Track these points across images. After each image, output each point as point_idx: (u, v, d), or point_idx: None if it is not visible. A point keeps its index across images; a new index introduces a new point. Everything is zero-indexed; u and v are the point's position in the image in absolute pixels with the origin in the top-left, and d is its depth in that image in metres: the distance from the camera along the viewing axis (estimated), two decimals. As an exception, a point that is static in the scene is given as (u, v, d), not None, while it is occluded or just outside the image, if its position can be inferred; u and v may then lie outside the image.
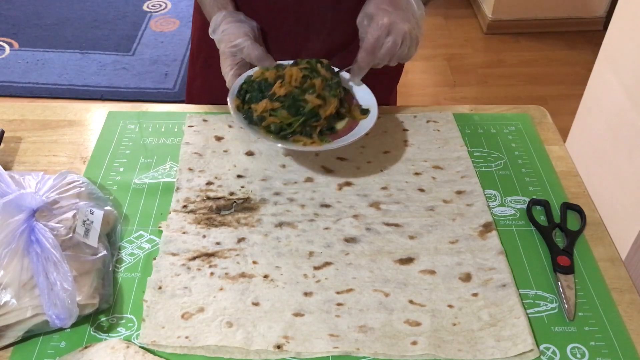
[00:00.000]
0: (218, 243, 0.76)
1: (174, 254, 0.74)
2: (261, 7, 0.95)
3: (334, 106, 0.82)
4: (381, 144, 0.92)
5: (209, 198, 0.82)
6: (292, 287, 0.71)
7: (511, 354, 0.64)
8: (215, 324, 0.67)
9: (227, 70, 0.87)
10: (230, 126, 0.94)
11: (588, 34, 2.90)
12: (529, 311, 0.69)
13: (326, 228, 0.78)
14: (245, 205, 0.81)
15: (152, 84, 2.58)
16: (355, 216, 0.80)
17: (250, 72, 0.87)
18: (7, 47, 2.77)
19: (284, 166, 0.88)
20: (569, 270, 0.73)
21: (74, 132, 0.95)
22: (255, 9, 0.94)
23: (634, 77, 1.51)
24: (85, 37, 2.86)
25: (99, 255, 0.70)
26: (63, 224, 0.69)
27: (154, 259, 0.74)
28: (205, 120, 0.95)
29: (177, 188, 0.84)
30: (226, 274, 0.72)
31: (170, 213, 0.80)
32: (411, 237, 0.77)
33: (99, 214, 0.73)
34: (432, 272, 0.73)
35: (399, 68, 1.12)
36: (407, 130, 0.95)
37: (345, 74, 0.89)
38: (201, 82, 1.12)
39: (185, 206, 0.81)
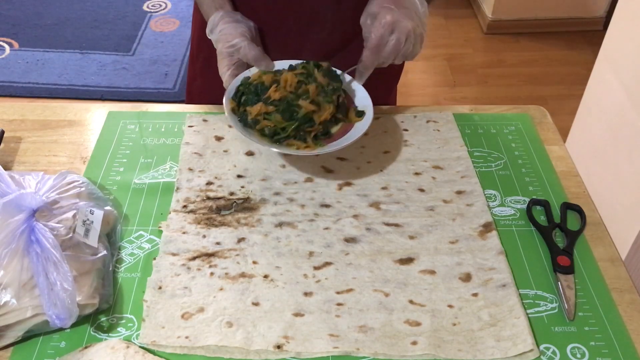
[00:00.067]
0: (218, 243, 0.76)
1: (174, 254, 0.74)
2: (260, 7, 0.95)
3: (328, 112, 0.82)
4: (381, 144, 0.92)
5: (209, 198, 0.82)
6: (292, 287, 0.71)
7: (511, 354, 0.65)
8: (215, 324, 0.67)
9: (224, 70, 0.87)
10: (230, 126, 0.94)
11: (588, 34, 2.90)
12: (529, 311, 0.69)
13: (326, 228, 0.78)
14: (245, 205, 0.81)
15: (152, 84, 2.58)
16: (355, 216, 0.80)
17: (247, 72, 0.87)
18: (7, 47, 2.77)
19: (284, 166, 0.88)
20: (569, 270, 0.74)
21: (74, 132, 0.95)
22: (254, 9, 0.94)
23: (634, 77, 1.51)
24: (85, 37, 2.86)
25: (99, 255, 0.70)
26: (63, 224, 0.69)
27: (154, 259, 0.74)
28: (205, 120, 0.95)
29: (177, 188, 0.84)
30: (226, 274, 0.72)
31: (170, 213, 0.80)
32: (411, 237, 0.77)
33: (99, 214, 0.73)
34: (432, 272, 0.73)
35: (399, 68, 1.12)
36: (407, 130, 0.95)
37: (346, 76, 0.89)
38: (201, 82, 1.12)
39: (185, 206, 0.81)
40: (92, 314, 0.68)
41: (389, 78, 1.12)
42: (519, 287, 0.72)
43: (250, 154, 0.90)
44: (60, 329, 0.66)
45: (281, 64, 0.89)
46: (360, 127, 0.84)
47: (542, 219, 0.81)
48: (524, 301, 0.70)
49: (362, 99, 0.88)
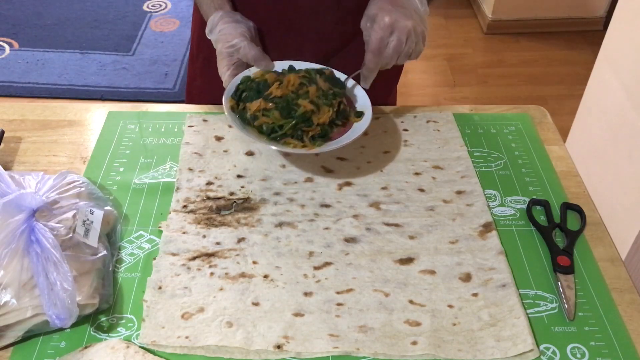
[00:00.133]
0: (218, 243, 0.76)
1: (174, 254, 0.74)
2: (260, 7, 0.95)
3: (327, 115, 0.82)
4: (381, 144, 0.92)
5: (209, 198, 0.82)
6: (292, 287, 0.71)
7: (511, 354, 0.65)
8: (215, 324, 0.67)
9: (224, 70, 0.87)
10: (230, 126, 0.94)
11: (588, 34, 2.90)
12: (529, 311, 0.69)
13: (326, 228, 0.78)
14: (245, 205, 0.81)
15: (152, 84, 2.58)
16: (355, 216, 0.80)
17: (246, 72, 0.88)
18: (7, 47, 2.76)
19: (284, 166, 0.88)
20: (569, 270, 0.73)
21: (74, 132, 0.95)
22: (254, 9, 0.94)
23: (634, 77, 1.51)
24: (85, 37, 2.86)
25: (99, 255, 0.70)
26: (63, 224, 0.69)
27: (154, 259, 0.74)
28: (205, 120, 0.95)
29: (177, 188, 0.84)
30: (226, 274, 0.72)
31: (170, 213, 0.80)
32: (411, 237, 0.77)
33: (99, 214, 0.73)
34: (432, 272, 0.73)
35: (399, 68, 1.12)
36: (407, 130, 0.95)
37: (350, 81, 0.89)
38: (201, 82, 1.12)
39: (185, 206, 0.81)
40: (92, 314, 0.68)
41: (389, 78, 1.12)
42: (519, 287, 0.72)
43: (250, 154, 0.90)
44: (60, 329, 0.66)
45: (281, 65, 0.89)
46: (359, 127, 0.84)
47: (542, 219, 0.81)
48: (524, 301, 0.70)
49: (362, 99, 0.88)
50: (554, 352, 0.66)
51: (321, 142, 0.82)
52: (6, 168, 0.82)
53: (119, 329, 0.67)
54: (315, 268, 0.73)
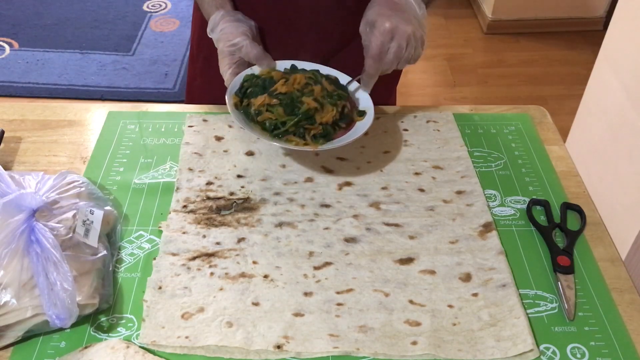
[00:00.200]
0: (218, 243, 0.76)
1: (174, 254, 0.74)
2: (260, 7, 0.95)
3: (331, 115, 0.82)
4: (381, 144, 0.92)
5: (209, 198, 0.82)
6: (292, 287, 0.71)
7: (511, 354, 0.64)
8: (215, 324, 0.67)
9: (226, 69, 0.87)
10: (230, 126, 0.94)
11: (588, 34, 2.90)
12: (529, 311, 0.69)
13: (326, 228, 0.78)
14: (245, 205, 0.81)
15: (152, 84, 2.58)
16: (355, 216, 0.80)
17: (248, 70, 0.88)
18: (7, 47, 2.76)
19: (284, 166, 0.88)
20: (569, 270, 0.73)
21: (74, 132, 0.95)
22: (254, 9, 0.94)
23: (634, 77, 1.51)
24: (85, 37, 2.86)
25: (99, 255, 0.70)
26: (63, 224, 0.69)
27: (154, 259, 0.74)
28: (205, 120, 0.95)
29: (177, 188, 0.84)
30: (226, 274, 0.72)
31: (170, 213, 0.80)
32: (411, 237, 0.77)
33: (99, 214, 0.73)
34: (432, 272, 0.73)
35: (399, 70, 1.12)
36: (407, 130, 0.95)
37: (354, 84, 0.89)
38: (201, 82, 1.12)
39: (185, 206, 0.81)
40: (92, 314, 0.68)
41: (389, 80, 1.12)
42: (519, 287, 0.72)
43: (250, 154, 0.90)
44: (60, 329, 0.66)
45: (283, 64, 0.89)
46: (361, 127, 0.84)
47: (542, 219, 0.81)
48: (524, 301, 0.70)
49: (364, 100, 0.88)
50: (554, 352, 0.66)
51: (323, 142, 0.82)
52: (6, 168, 0.82)
53: (119, 329, 0.67)
54: (315, 268, 0.73)
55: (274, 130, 0.82)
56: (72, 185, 0.75)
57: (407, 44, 0.82)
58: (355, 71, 0.88)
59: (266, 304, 0.69)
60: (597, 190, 1.30)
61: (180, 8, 3.11)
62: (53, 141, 0.93)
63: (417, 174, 0.87)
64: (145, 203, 0.82)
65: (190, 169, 0.87)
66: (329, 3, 0.95)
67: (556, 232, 0.79)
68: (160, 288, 0.70)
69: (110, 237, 0.76)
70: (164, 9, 3.09)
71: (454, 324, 0.67)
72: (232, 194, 0.83)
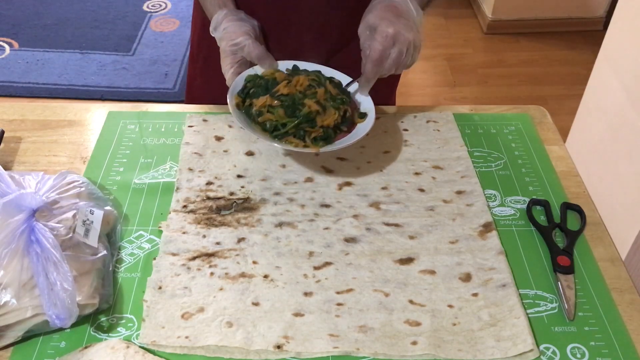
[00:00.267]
0: (218, 243, 0.76)
1: (174, 254, 0.74)
2: (260, 7, 0.95)
3: (332, 118, 0.82)
4: (381, 144, 0.92)
5: (209, 198, 0.82)
6: (292, 287, 0.71)
7: (511, 354, 0.65)
8: (215, 324, 0.67)
9: (227, 68, 0.87)
10: (230, 126, 0.94)
11: (588, 34, 2.90)
12: (529, 311, 0.69)
13: (326, 228, 0.78)
14: (245, 205, 0.81)
15: (152, 84, 2.58)
16: (355, 216, 0.80)
17: (250, 70, 0.88)
18: (7, 47, 2.76)
19: (284, 166, 0.88)
20: (569, 270, 0.73)
21: (74, 132, 0.95)
22: (254, 9, 0.94)
23: (634, 77, 1.51)
24: (85, 37, 2.85)
25: (99, 255, 0.70)
26: (63, 224, 0.69)
27: (154, 259, 0.74)
28: (205, 120, 0.95)
29: (177, 188, 0.84)
30: (226, 274, 0.72)
31: (170, 213, 0.80)
32: (411, 237, 0.77)
33: (99, 214, 0.73)
34: (432, 272, 0.73)
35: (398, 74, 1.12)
36: (407, 130, 0.95)
37: (354, 85, 0.89)
38: (201, 82, 1.12)
39: (185, 206, 0.81)
40: (92, 314, 0.68)
41: (389, 85, 1.12)
42: (519, 287, 0.72)
43: (250, 154, 0.90)
44: (60, 329, 0.66)
45: (285, 64, 0.89)
46: (362, 129, 0.84)
47: (542, 219, 0.81)
48: (524, 301, 0.70)
49: (365, 102, 0.88)
50: (554, 352, 0.66)
51: (323, 144, 0.82)
52: (6, 168, 0.82)
53: (119, 329, 0.67)
54: (315, 268, 0.73)
55: (274, 132, 0.82)
56: (72, 185, 0.75)
57: (407, 51, 0.82)
58: (355, 71, 0.88)
59: (266, 304, 0.69)
60: (597, 190, 1.30)
61: (180, 8, 3.11)
62: (53, 141, 0.93)
63: (417, 174, 0.87)
64: (145, 203, 0.82)
65: (190, 169, 0.87)
66: (328, 3, 0.95)
67: (556, 232, 0.79)
68: (160, 288, 0.70)
69: (110, 237, 0.76)
70: (164, 9, 3.09)
71: (454, 324, 0.67)
72: (232, 194, 0.83)
